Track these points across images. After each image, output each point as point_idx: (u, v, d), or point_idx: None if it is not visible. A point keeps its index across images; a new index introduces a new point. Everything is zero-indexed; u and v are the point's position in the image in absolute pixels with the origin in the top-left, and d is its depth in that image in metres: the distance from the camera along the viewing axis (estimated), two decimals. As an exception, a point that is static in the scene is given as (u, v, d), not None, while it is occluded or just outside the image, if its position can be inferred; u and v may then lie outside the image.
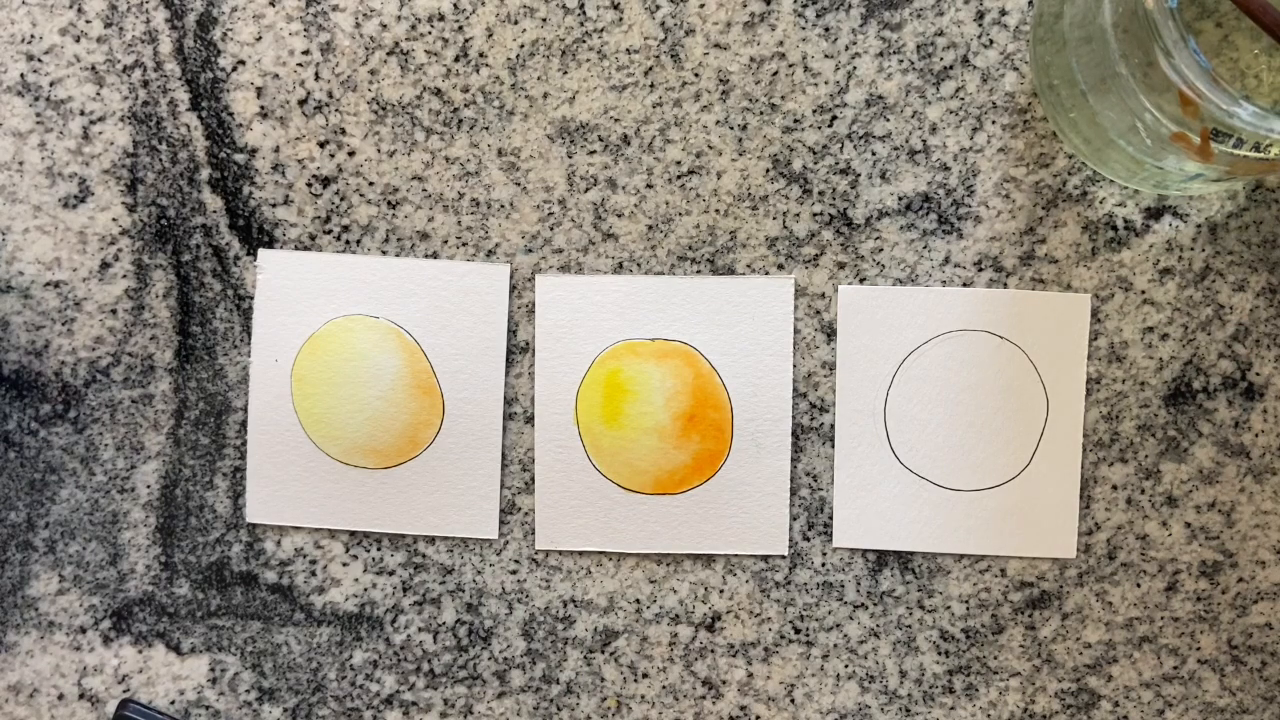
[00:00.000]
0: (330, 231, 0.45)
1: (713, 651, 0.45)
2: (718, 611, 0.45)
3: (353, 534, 0.46)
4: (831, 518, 0.45)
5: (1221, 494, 0.44)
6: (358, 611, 0.46)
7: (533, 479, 0.45)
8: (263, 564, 0.46)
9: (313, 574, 0.46)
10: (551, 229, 0.45)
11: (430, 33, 0.45)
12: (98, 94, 0.45)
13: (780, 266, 0.45)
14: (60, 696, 0.46)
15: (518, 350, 0.45)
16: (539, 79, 0.45)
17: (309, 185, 0.45)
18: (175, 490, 0.46)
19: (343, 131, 0.45)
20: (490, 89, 0.45)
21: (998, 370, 0.44)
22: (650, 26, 0.44)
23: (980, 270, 0.44)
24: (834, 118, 0.44)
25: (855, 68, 0.44)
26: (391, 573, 0.46)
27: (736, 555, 0.45)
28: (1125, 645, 0.45)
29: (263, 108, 0.45)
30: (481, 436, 0.45)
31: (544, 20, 0.44)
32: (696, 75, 0.44)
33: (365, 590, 0.46)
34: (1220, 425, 0.44)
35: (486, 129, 0.45)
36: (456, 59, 0.45)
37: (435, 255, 0.45)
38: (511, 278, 0.45)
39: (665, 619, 0.45)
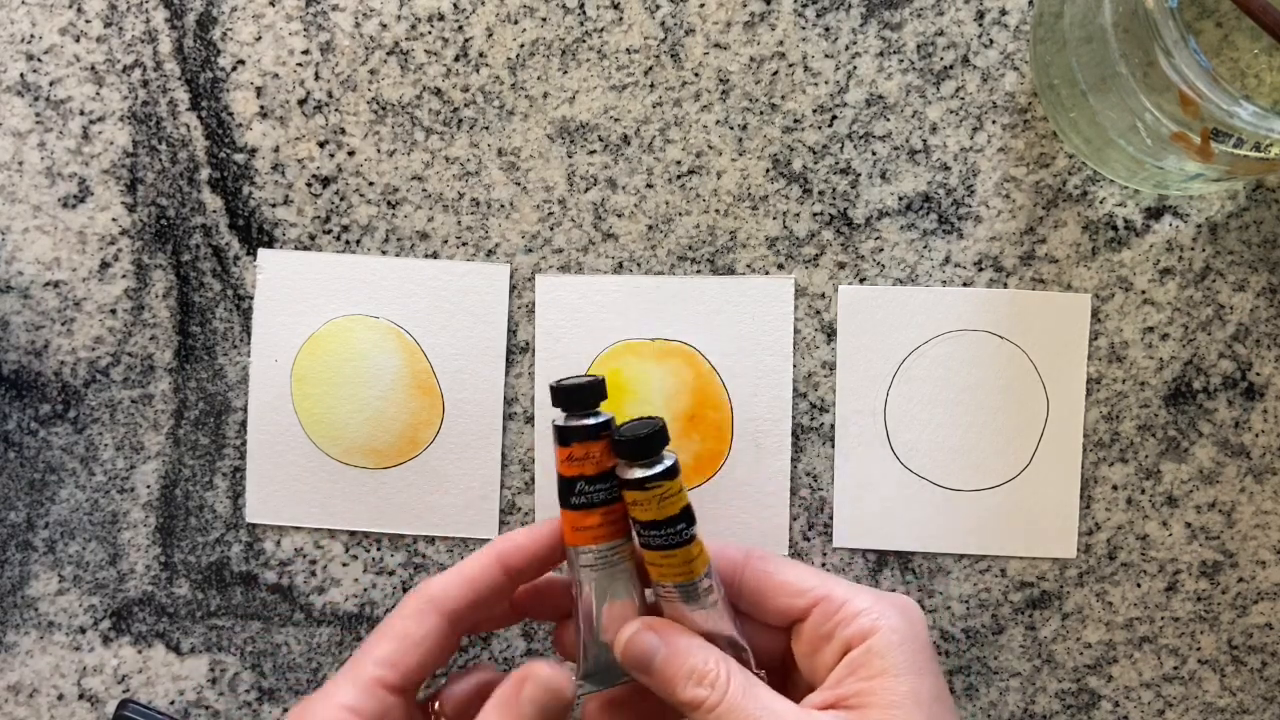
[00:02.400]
0: (330, 231, 0.45)
1: (713, 651, 0.45)
2: (718, 611, 0.45)
3: (353, 534, 0.46)
4: (831, 518, 0.45)
5: (1222, 494, 0.44)
6: (358, 611, 0.46)
7: (533, 479, 0.45)
8: (262, 564, 0.46)
9: (313, 574, 0.46)
10: (551, 229, 0.45)
11: (430, 33, 0.45)
12: (97, 94, 0.45)
13: (780, 266, 0.45)
14: (60, 696, 0.46)
15: (518, 350, 0.45)
16: (539, 79, 0.45)
17: (309, 185, 0.45)
18: (175, 490, 0.46)
19: (343, 131, 0.45)
20: (490, 89, 0.45)
21: (998, 370, 0.44)
22: (650, 26, 0.44)
23: (980, 270, 0.44)
24: (834, 118, 0.44)
25: (855, 68, 0.44)
26: (391, 573, 0.46)
27: (736, 555, 0.45)
28: (1125, 645, 0.45)
29: (263, 108, 0.45)
30: (481, 436, 0.45)
31: (544, 20, 0.44)
32: (696, 75, 0.44)
33: (365, 590, 0.46)
34: (1220, 425, 0.44)
35: (486, 129, 0.45)
36: (456, 59, 0.45)
37: (435, 255, 0.45)
38: (511, 278, 0.45)
39: (665, 619, 0.45)
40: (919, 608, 0.36)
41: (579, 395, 0.35)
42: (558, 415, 0.35)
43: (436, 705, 0.39)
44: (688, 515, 0.35)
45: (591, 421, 0.35)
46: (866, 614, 0.35)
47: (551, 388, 0.35)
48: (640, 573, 0.36)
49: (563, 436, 0.35)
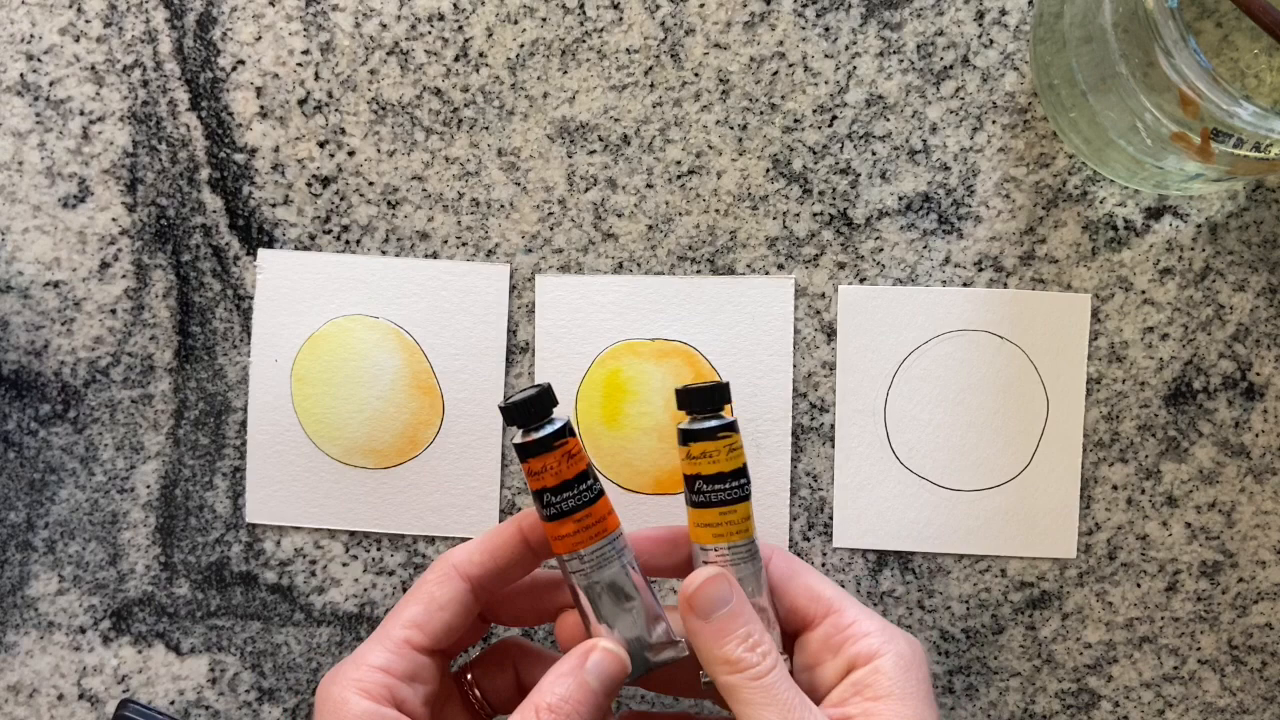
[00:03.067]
0: (330, 231, 0.45)
1: (713, 651, 0.45)
2: (718, 611, 0.45)
3: (353, 534, 0.46)
4: (831, 518, 0.45)
5: (1221, 494, 0.44)
6: (358, 611, 0.46)
7: (533, 479, 0.45)
8: (262, 564, 0.46)
9: (313, 574, 0.46)
10: (551, 229, 0.45)
11: (430, 33, 0.45)
12: (97, 94, 0.45)
13: (780, 266, 0.45)
14: (60, 696, 0.46)
15: (518, 350, 0.45)
16: (539, 79, 0.45)
17: (309, 185, 0.45)
18: (175, 490, 0.46)
19: (343, 131, 0.45)
20: (490, 89, 0.45)
21: (998, 370, 0.44)
22: (650, 26, 0.44)
23: (980, 270, 0.44)
24: (834, 118, 0.44)
25: (855, 68, 0.44)
26: (391, 573, 0.46)
27: (736, 555, 0.45)
28: (1125, 645, 0.45)
29: (263, 108, 0.45)
30: (481, 436, 0.45)
31: (544, 20, 0.44)
32: (696, 75, 0.44)
33: (365, 590, 0.46)
34: (1220, 425, 0.44)
35: (486, 129, 0.45)
36: (456, 59, 0.45)
37: (435, 255, 0.45)
38: (511, 278, 0.45)
39: (665, 619, 0.45)
40: (921, 645, 0.36)
41: (525, 410, 0.35)
42: (515, 433, 0.35)
43: (469, 677, 0.39)
44: (747, 471, 0.36)
45: (540, 435, 0.35)
46: (875, 635, 0.35)
47: (500, 408, 0.35)
48: (637, 572, 0.36)
49: (520, 454, 0.35)
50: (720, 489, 0.36)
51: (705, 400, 0.36)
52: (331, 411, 0.45)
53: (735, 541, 0.36)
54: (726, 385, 0.36)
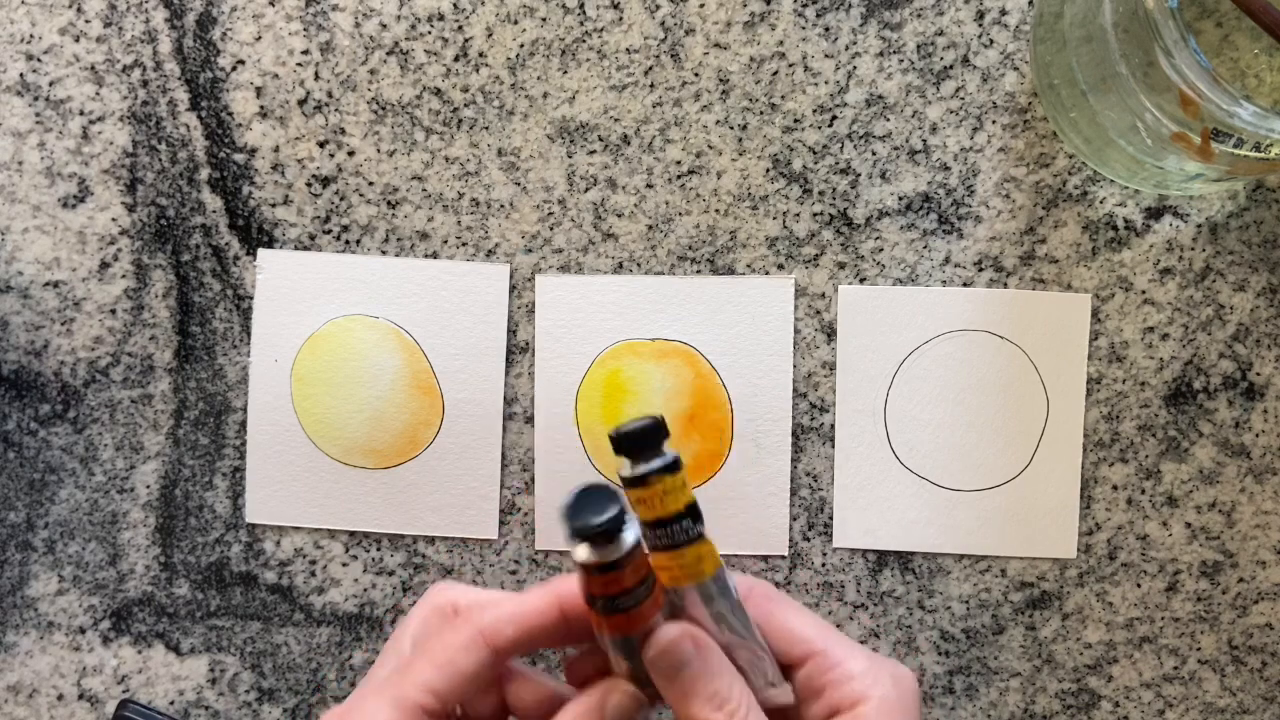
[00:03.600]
0: (330, 231, 0.45)
1: (713, 651, 0.45)
2: (718, 611, 0.45)
3: (352, 534, 0.46)
4: (831, 518, 0.45)
5: (1222, 494, 0.44)
6: (358, 611, 0.46)
7: (533, 479, 0.45)
8: (262, 564, 0.46)
9: (312, 574, 0.46)
10: (551, 229, 0.45)
11: (430, 33, 0.45)
12: (97, 94, 0.45)
13: (780, 266, 0.45)
14: (60, 697, 0.46)
15: (518, 350, 0.45)
16: (539, 79, 0.45)
17: (309, 185, 0.45)
18: (175, 490, 0.46)
19: (342, 131, 0.45)
20: (490, 89, 0.45)
21: (998, 370, 0.44)
22: (650, 26, 0.44)
23: (980, 270, 0.44)
24: (834, 118, 0.44)
25: (855, 68, 0.44)
26: (391, 573, 0.46)
27: (737, 555, 0.45)
28: (1125, 645, 0.45)
29: (262, 108, 0.45)
30: (481, 436, 0.45)
31: (544, 20, 0.44)
32: (696, 75, 0.44)
33: (365, 590, 0.46)
34: (1220, 425, 0.44)
35: (486, 129, 0.45)
36: (456, 59, 0.45)
37: (435, 255, 0.45)
38: (511, 278, 0.45)
39: (665, 619, 0.45)
40: (914, 677, 0.35)
41: (598, 531, 0.32)
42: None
43: (459, 710, 0.38)
44: (693, 512, 0.33)
45: (612, 558, 0.32)
46: (860, 679, 0.34)
47: (567, 521, 0.32)
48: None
49: (587, 579, 0.32)
50: (663, 533, 0.33)
51: (636, 442, 0.33)
52: (331, 411, 0.45)
53: (692, 584, 0.33)
54: (658, 423, 0.33)
